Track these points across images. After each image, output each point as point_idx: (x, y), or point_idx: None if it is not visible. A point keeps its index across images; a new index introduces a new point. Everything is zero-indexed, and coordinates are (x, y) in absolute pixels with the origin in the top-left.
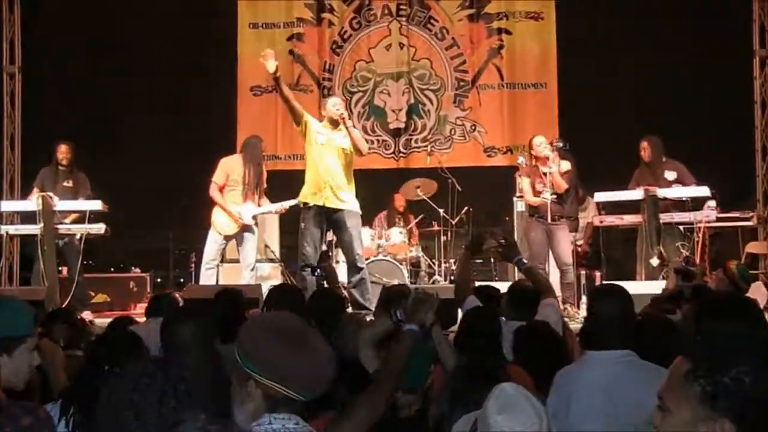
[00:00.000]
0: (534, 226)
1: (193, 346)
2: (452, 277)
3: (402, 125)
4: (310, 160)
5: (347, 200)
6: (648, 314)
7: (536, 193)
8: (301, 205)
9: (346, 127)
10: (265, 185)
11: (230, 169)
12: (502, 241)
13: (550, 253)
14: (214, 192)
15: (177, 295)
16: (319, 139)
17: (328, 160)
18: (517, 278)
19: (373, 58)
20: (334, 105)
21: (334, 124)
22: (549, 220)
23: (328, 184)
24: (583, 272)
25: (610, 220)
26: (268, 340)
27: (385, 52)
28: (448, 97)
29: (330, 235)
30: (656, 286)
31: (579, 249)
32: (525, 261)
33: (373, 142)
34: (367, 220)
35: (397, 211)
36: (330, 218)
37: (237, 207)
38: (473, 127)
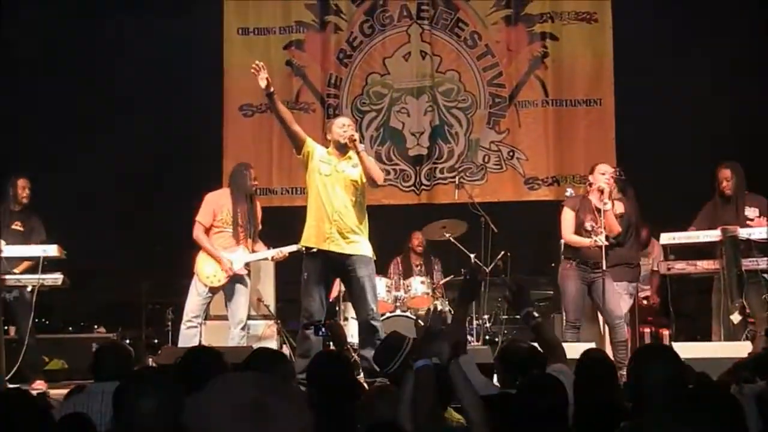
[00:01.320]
0: (571, 274)
1: (155, 425)
2: (486, 337)
3: (424, 151)
4: (313, 195)
5: (358, 243)
6: (706, 382)
7: (582, 232)
8: (303, 251)
9: (358, 153)
10: (259, 226)
11: (218, 206)
12: (513, 287)
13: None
14: (198, 234)
15: (131, 349)
16: (324, 169)
17: (335, 194)
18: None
19: (389, 70)
20: (342, 126)
21: (342, 150)
22: (593, 268)
23: (335, 224)
24: (647, 330)
25: (680, 266)
26: (219, 418)
27: (403, 63)
28: (481, 117)
29: (338, 287)
30: (738, 349)
31: (645, 302)
32: (536, 315)
33: (389, 173)
34: (381, 267)
35: (415, 254)
36: (337, 266)
37: (227, 253)
38: (511, 154)
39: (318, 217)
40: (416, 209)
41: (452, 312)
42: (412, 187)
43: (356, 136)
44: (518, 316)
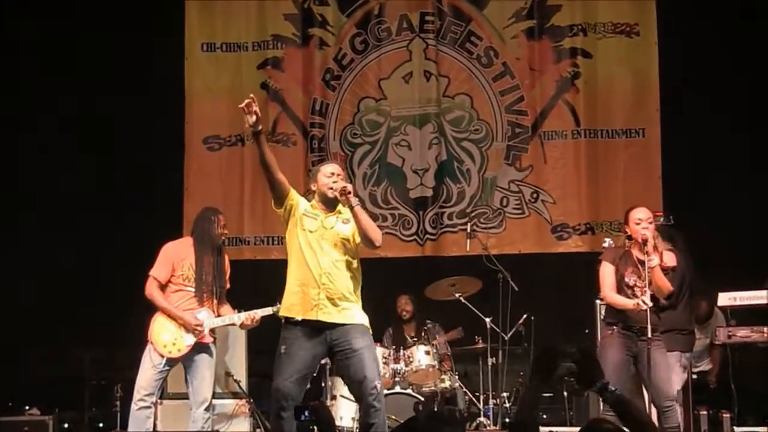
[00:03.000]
0: (613, 342)
1: None
2: (506, 420)
3: (429, 193)
4: (296, 255)
5: (351, 311)
6: None
7: (623, 291)
8: (282, 321)
9: (351, 209)
10: (227, 284)
11: (178, 258)
12: (578, 357)
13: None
14: (152, 291)
15: None
16: (309, 224)
17: (322, 253)
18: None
19: (386, 94)
20: (330, 176)
21: (330, 205)
22: (639, 335)
23: (324, 288)
24: (703, 413)
25: (743, 333)
26: None
27: (403, 85)
28: (498, 151)
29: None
30: None
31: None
32: (613, 387)
33: (386, 218)
34: (376, 334)
35: (404, 323)
36: (325, 339)
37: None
38: (535, 196)
39: (302, 280)
40: (419, 264)
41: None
42: (415, 237)
43: (350, 188)
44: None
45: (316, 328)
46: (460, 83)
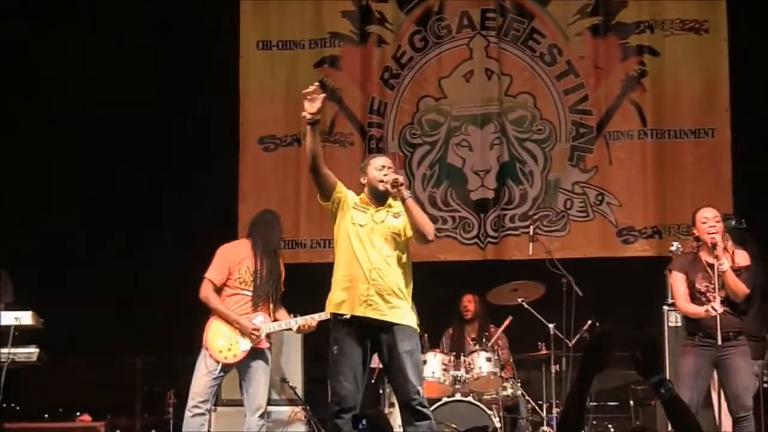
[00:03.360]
0: (690, 351)
1: None
2: None
3: (490, 195)
4: (345, 249)
5: (401, 310)
6: None
7: (697, 299)
8: (331, 320)
9: (403, 201)
10: (282, 288)
11: (235, 261)
12: (645, 341)
13: (710, 391)
14: (208, 294)
15: None
16: (358, 218)
17: (373, 248)
18: None
19: (446, 93)
20: (381, 168)
21: (380, 199)
22: (719, 342)
23: (374, 284)
24: None
25: None
26: None
27: (463, 84)
28: (562, 152)
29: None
30: None
31: None
32: (670, 385)
33: (446, 221)
34: (435, 340)
35: (465, 322)
36: (376, 337)
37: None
38: (600, 198)
39: (351, 275)
40: (480, 268)
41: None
42: (476, 240)
43: (402, 179)
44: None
45: (365, 326)
46: (523, 82)
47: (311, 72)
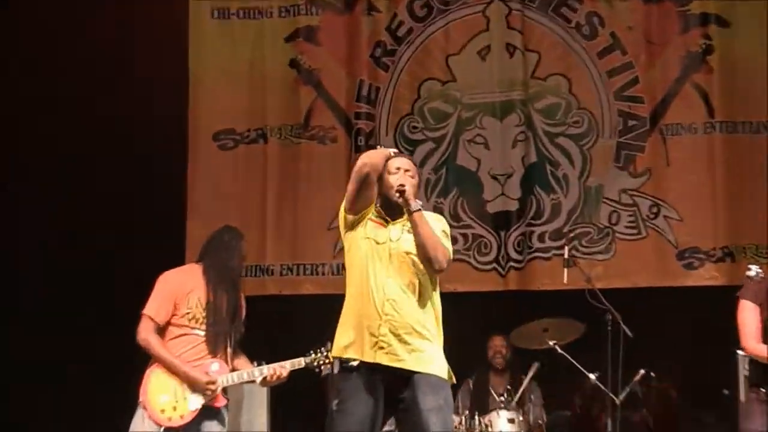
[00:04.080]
0: (757, 409)
1: None
2: None
3: (513, 206)
4: (355, 275)
5: (424, 354)
6: None
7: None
8: (335, 366)
9: (410, 213)
10: (242, 328)
11: (181, 291)
12: None
13: None
14: (148, 336)
15: None
16: (374, 232)
17: (386, 274)
18: None
19: (456, 75)
20: (395, 172)
21: (395, 211)
22: None
23: (387, 320)
24: None
25: None
26: None
27: (478, 64)
28: (605, 151)
29: (389, 426)
30: None
31: None
32: None
33: (455, 241)
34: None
35: (494, 372)
36: (390, 389)
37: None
38: (655, 210)
39: (361, 311)
40: (500, 300)
41: None
42: (494, 264)
43: (409, 186)
44: None
45: (379, 376)
46: (554, 61)
47: (282, 48)
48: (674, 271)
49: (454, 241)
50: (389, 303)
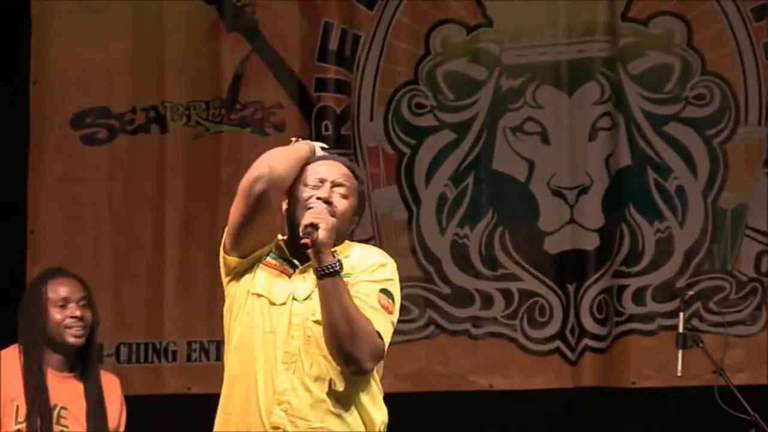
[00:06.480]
0: None
1: None
2: None
3: (592, 244)
4: (232, 354)
5: (338, 420)
6: None
7: None
8: None
9: (316, 271)
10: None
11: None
12: None
13: None
14: None
15: None
16: (264, 284)
17: (281, 358)
18: None
19: (491, 17)
20: (316, 186)
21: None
22: None
23: (273, 422)
24: None
25: None
26: None
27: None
28: (752, 147)
29: None
30: None
31: None
32: None
33: (490, 302)
34: None
35: None
36: None
37: None
38: None
39: (238, 413)
40: (569, 401)
41: None
42: (558, 343)
43: (324, 226)
44: None
45: None
46: None
47: None
48: None
49: (487, 303)
50: (280, 408)
